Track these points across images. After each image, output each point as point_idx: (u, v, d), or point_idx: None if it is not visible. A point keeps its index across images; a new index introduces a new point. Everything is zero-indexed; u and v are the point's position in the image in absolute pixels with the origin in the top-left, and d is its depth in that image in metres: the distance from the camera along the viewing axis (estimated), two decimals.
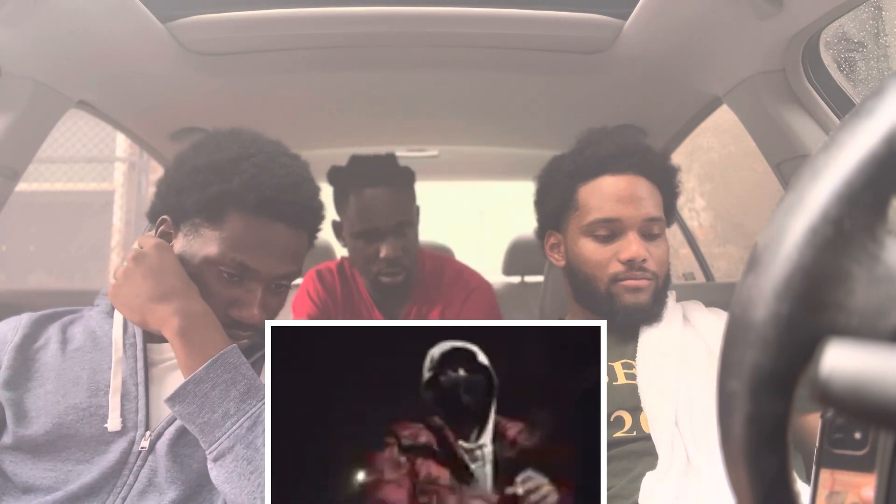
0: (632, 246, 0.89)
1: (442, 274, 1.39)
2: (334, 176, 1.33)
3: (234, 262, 0.75)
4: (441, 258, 1.45)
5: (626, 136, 1.01)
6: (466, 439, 0.42)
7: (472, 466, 0.41)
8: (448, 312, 1.32)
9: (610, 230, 0.91)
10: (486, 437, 0.42)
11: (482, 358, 0.44)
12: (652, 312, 0.92)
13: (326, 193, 0.86)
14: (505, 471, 0.42)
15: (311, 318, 1.34)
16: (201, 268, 0.76)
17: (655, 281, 0.91)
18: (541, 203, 1.04)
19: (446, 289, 1.36)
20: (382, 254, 1.22)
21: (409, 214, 1.28)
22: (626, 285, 0.90)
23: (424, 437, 0.42)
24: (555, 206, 0.99)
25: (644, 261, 0.89)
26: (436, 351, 0.43)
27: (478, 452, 0.42)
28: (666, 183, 0.98)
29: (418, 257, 1.36)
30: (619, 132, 1.02)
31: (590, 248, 0.93)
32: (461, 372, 0.43)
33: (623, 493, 0.75)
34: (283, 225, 0.78)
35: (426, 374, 0.43)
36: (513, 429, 0.42)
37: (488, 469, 0.42)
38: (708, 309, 0.97)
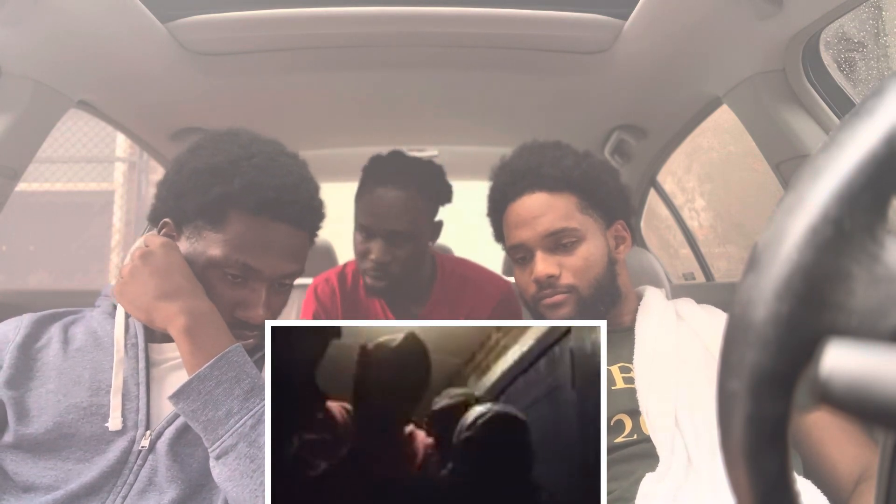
0: (537, 266, 0.91)
1: (465, 280, 1.37)
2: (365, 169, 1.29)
3: (237, 264, 0.76)
4: (464, 263, 1.44)
5: (523, 158, 0.98)
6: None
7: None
8: (474, 316, 1.32)
9: (523, 254, 0.95)
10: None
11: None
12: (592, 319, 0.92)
13: (326, 191, 0.87)
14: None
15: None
16: (205, 270, 0.76)
17: (574, 293, 0.91)
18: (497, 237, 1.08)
19: (470, 295, 1.34)
20: (371, 255, 1.21)
21: (411, 224, 1.20)
22: (545, 304, 0.93)
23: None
24: (498, 237, 1.05)
25: (551, 276, 0.90)
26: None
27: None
28: (578, 183, 0.94)
29: (437, 263, 1.37)
30: (517, 156, 1.00)
31: (516, 273, 0.98)
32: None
33: (626, 496, 0.75)
34: (284, 225, 0.79)
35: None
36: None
37: None
38: (699, 305, 0.97)
